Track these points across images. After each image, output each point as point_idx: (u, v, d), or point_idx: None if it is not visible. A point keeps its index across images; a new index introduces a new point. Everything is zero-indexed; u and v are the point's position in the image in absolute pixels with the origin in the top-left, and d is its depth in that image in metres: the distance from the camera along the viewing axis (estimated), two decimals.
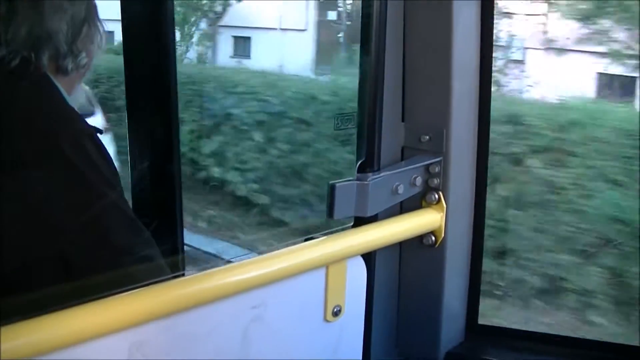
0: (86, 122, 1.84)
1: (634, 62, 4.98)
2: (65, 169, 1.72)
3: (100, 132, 1.83)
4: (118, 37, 2.35)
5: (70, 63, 1.84)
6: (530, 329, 2.53)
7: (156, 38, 2.41)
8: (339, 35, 9.97)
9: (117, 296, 1.38)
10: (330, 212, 1.72)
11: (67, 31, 1.83)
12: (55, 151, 1.71)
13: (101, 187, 1.74)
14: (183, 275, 1.70)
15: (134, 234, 1.79)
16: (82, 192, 1.74)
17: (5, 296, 1.54)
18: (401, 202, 1.93)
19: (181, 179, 2.45)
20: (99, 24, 1.92)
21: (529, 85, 5.64)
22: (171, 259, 2.03)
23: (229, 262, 1.60)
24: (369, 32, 1.83)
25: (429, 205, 1.93)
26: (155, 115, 2.43)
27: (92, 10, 1.91)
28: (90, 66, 1.92)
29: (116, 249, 1.76)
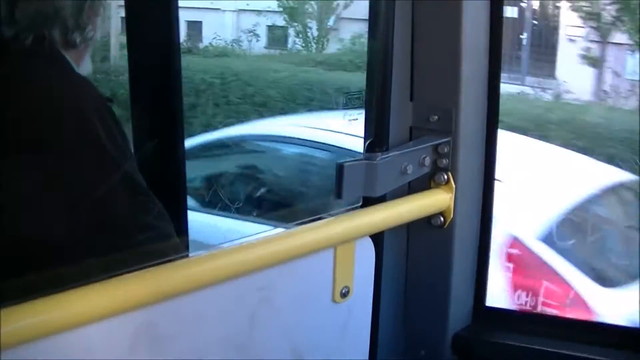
0: (100, 92, 1.86)
1: None
2: (92, 139, 1.73)
3: (112, 101, 1.84)
4: None
5: (78, 37, 1.86)
6: None
7: (160, 24, 2.40)
8: (522, 36, 8.43)
9: (123, 277, 1.36)
10: (338, 192, 1.70)
11: (72, 5, 1.83)
12: (81, 121, 1.73)
13: (120, 158, 1.76)
14: (187, 256, 1.70)
15: (149, 207, 1.80)
16: (106, 162, 1.76)
17: (25, 273, 1.54)
18: (409, 183, 1.91)
19: (185, 160, 2.44)
20: None
21: None
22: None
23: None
24: (377, 10, 1.81)
25: (438, 185, 1.91)
26: (160, 97, 2.42)
27: None
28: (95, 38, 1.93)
29: (132, 222, 1.77)
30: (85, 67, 1.92)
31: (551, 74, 8.03)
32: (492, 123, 1.97)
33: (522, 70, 8.71)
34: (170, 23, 2.39)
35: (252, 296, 1.56)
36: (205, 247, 1.59)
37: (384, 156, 1.78)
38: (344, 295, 1.72)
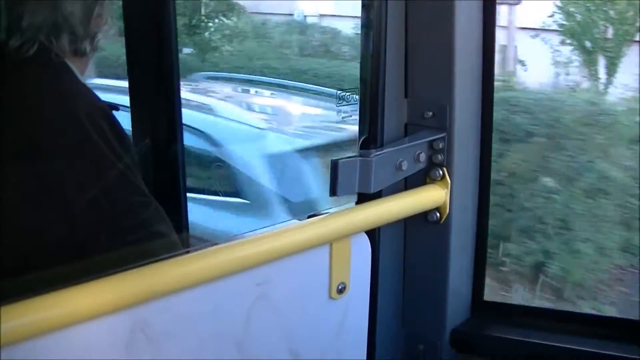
0: (100, 100, 1.87)
1: None
2: (85, 145, 1.75)
3: (116, 108, 1.86)
4: None
5: (88, 45, 1.87)
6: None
7: (157, 20, 2.41)
8: None
9: (119, 274, 1.37)
10: (333, 189, 1.71)
11: (81, 13, 1.85)
12: (76, 127, 1.74)
13: (117, 163, 1.77)
14: (187, 252, 1.71)
15: (149, 210, 1.81)
16: (100, 168, 1.77)
17: (26, 273, 1.56)
18: (405, 179, 1.92)
19: (184, 158, 2.46)
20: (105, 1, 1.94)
21: None
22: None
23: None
24: (371, 6, 1.82)
25: (433, 181, 1.92)
26: (158, 96, 2.44)
27: None
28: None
29: (132, 225, 1.79)
30: (88, 74, 1.94)
31: None
32: (486, 118, 1.98)
33: None
34: (167, 19, 2.41)
35: (248, 293, 1.57)
36: None
37: (378, 153, 1.79)
38: (341, 291, 1.73)
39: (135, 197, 1.82)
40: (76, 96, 1.84)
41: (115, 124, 1.83)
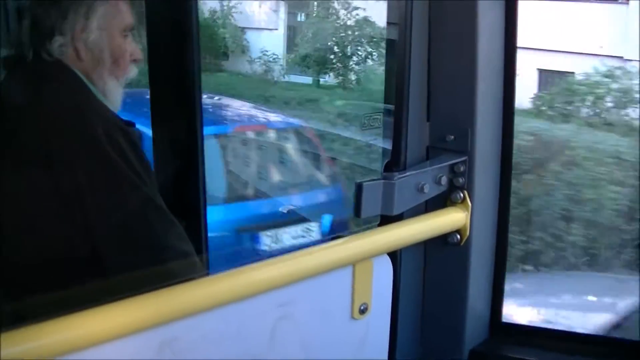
0: (118, 117, 1.88)
1: None
2: (103, 162, 1.76)
3: (133, 125, 1.86)
4: None
5: (69, 46, 1.85)
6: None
7: (180, 39, 2.43)
8: None
9: (146, 294, 1.40)
10: (357, 210, 1.73)
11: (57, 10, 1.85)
12: (94, 145, 1.76)
13: (136, 181, 1.78)
14: (208, 274, 1.73)
15: (169, 229, 1.82)
16: (119, 185, 1.78)
17: (45, 290, 1.57)
18: (426, 201, 1.94)
19: (205, 179, 2.46)
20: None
21: None
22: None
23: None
24: (394, 31, 1.85)
25: (454, 204, 1.94)
26: (180, 116, 2.45)
27: None
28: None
29: (152, 243, 1.80)
30: (113, 96, 1.92)
31: None
32: (507, 141, 2.00)
33: None
34: (190, 40, 2.43)
35: (272, 313, 1.59)
36: None
37: (401, 175, 1.81)
38: (363, 312, 1.75)
39: (157, 215, 1.83)
40: (93, 113, 1.84)
41: (133, 142, 1.83)
